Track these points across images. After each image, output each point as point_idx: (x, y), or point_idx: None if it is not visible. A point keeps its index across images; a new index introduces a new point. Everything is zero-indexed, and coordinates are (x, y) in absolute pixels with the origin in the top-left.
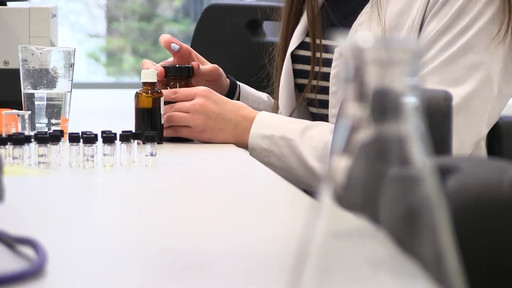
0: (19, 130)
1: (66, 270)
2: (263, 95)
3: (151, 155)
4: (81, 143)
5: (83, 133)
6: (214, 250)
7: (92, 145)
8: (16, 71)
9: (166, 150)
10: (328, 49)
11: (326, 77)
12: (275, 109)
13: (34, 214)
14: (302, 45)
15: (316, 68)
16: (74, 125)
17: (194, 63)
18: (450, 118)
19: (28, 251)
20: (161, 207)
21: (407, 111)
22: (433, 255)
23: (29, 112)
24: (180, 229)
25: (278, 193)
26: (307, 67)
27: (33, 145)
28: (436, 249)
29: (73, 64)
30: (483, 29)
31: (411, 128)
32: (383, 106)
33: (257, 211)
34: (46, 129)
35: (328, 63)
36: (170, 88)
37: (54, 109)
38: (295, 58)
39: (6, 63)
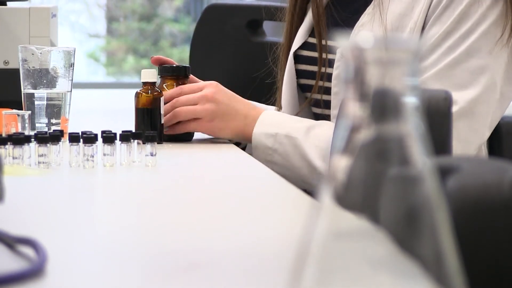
0: (19, 130)
1: (66, 270)
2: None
3: (151, 155)
4: (81, 143)
5: (83, 133)
6: (214, 250)
7: (92, 145)
8: (16, 71)
9: (166, 150)
10: (331, 50)
11: (329, 77)
12: (278, 110)
13: (34, 214)
14: (305, 45)
15: (322, 69)
16: (74, 125)
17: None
18: (450, 118)
19: (28, 251)
20: (161, 207)
21: (407, 111)
22: (433, 255)
23: (29, 112)
24: (180, 229)
25: (278, 193)
26: (310, 68)
27: (33, 145)
28: (436, 249)
29: (73, 64)
30: (486, 33)
31: (411, 128)
32: (383, 106)
33: (257, 211)
34: (46, 129)
35: (332, 63)
36: (167, 88)
37: (54, 109)
38: (298, 58)
39: (6, 63)
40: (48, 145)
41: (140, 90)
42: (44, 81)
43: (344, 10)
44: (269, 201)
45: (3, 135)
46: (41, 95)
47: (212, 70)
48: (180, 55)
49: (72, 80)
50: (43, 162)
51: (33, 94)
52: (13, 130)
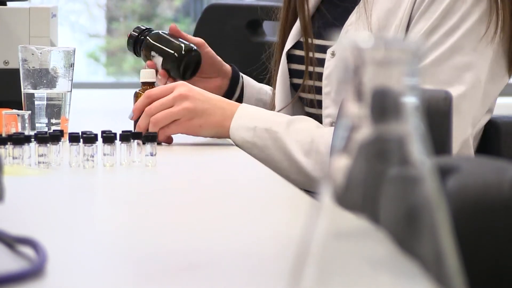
0: (19, 130)
1: (66, 270)
2: (266, 87)
3: (151, 155)
4: (81, 143)
5: (83, 133)
6: (214, 250)
7: (92, 145)
8: (16, 71)
9: (166, 150)
10: (322, 49)
11: (320, 77)
12: (272, 107)
13: (34, 214)
14: (298, 45)
15: (310, 68)
16: (74, 125)
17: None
18: (450, 118)
19: (28, 251)
20: (161, 207)
21: (407, 111)
22: (433, 255)
23: (29, 112)
24: (180, 229)
25: (278, 193)
26: (303, 67)
27: (33, 145)
28: (436, 249)
29: (73, 64)
30: (471, 30)
31: (411, 128)
32: (383, 106)
33: (257, 211)
34: (46, 129)
35: (322, 63)
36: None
37: (54, 109)
38: (290, 58)
39: (6, 63)
40: (48, 145)
41: (138, 90)
42: (44, 81)
43: (334, 11)
44: (269, 201)
45: (3, 135)
46: (41, 95)
47: None
48: None
49: (72, 80)
50: (43, 162)
51: (33, 94)
52: (13, 130)
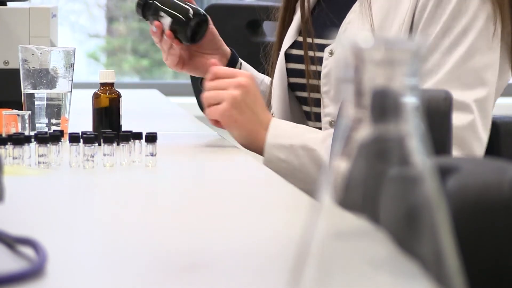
0: (19, 130)
1: (66, 270)
2: (267, 80)
3: (151, 155)
4: (81, 143)
5: (83, 133)
6: (214, 250)
7: (92, 145)
8: (16, 71)
9: (166, 150)
10: (319, 48)
11: (317, 75)
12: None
13: (34, 214)
14: (295, 44)
15: (310, 67)
16: (74, 125)
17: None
18: (450, 118)
19: (28, 251)
20: (161, 207)
21: (407, 111)
22: (433, 255)
23: (29, 112)
24: (180, 229)
25: (278, 193)
26: (300, 66)
27: (33, 145)
28: (436, 249)
29: (73, 64)
30: (483, 29)
31: (411, 128)
32: (383, 106)
33: (257, 211)
34: (46, 129)
35: (320, 61)
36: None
37: (54, 109)
38: (288, 57)
39: (6, 63)
40: (48, 145)
41: (98, 91)
42: (44, 81)
43: (333, 9)
44: (269, 201)
45: (3, 135)
46: (41, 95)
47: None
48: None
49: (72, 80)
50: (43, 162)
51: (33, 94)
52: (13, 130)
